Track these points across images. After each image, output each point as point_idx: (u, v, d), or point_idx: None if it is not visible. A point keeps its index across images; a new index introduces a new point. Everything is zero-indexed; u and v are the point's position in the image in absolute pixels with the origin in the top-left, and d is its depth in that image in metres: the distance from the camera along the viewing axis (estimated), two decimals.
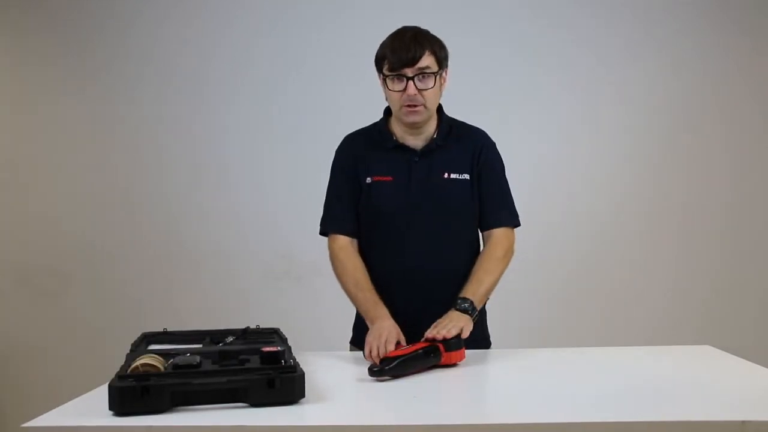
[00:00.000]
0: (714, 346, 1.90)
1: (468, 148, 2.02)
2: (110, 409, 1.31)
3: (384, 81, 1.93)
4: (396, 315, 1.90)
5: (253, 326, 1.87)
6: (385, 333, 1.77)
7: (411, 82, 1.88)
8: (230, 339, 1.77)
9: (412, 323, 1.82)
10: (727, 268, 3.51)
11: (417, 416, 1.34)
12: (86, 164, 3.63)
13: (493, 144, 2.07)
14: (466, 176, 1.99)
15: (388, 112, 2.05)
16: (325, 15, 3.54)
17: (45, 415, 1.35)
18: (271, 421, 1.29)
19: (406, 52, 1.87)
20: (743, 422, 1.21)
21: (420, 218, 1.97)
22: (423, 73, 1.88)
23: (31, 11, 3.61)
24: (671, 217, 3.54)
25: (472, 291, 1.90)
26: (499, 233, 2.01)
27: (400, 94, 1.90)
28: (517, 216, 2.05)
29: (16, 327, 3.61)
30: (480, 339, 2.04)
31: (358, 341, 2.06)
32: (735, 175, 3.53)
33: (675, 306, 3.50)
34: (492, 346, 2.09)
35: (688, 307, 3.49)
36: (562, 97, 3.53)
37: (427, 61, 1.89)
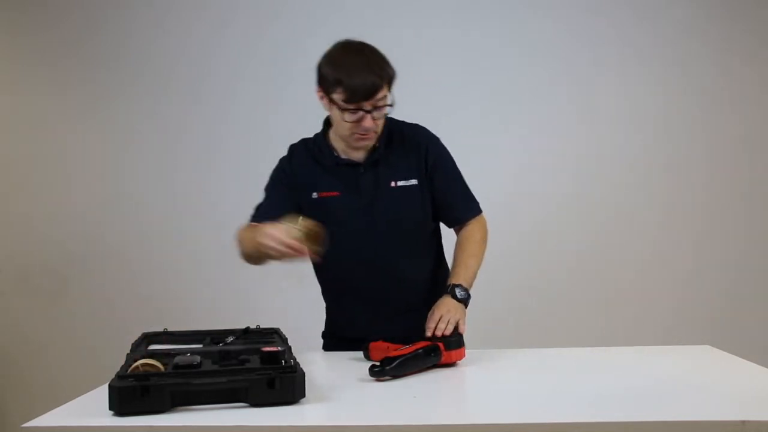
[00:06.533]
0: (714, 346, 1.90)
1: (412, 151, 1.95)
2: (110, 409, 1.31)
3: (330, 102, 1.79)
4: (370, 323, 1.92)
5: (253, 326, 1.87)
6: (274, 230, 1.60)
7: (369, 116, 1.76)
8: (230, 339, 1.77)
9: (387, 329, 1.81)
10: (727, 268, 3.50)
11: (417, 416, 1.34)
12: (86, 164, 3.64)
13: (437, 139, 2.01)
14: (414, 181, 1.93)
15: (327, 122, 1.96)
16: (325, 15, 3.53)
17: (45, 415, 1.35)
18: (271, 421, 1.29)
19: (364, 82, 1.72)
20: (743, 422, 1.21)
21: (373, 229, 1.93)
22: (378, 106, 1.77)
23: (30, 11, 3.61)
24: (671, 217, 3.53)
25: (463, 276, 1.89)
26: (471, 223, 2.01)
27: (354, 124, 1.79)
28: (478, 203, 2.04)
29: (16, 327, 3.61)
30: None
31: (328, 347, 2.08)
32: (735, 174, 3.52)
33: (675, 306, 3.49)
34: (490, 345, 2.08)
35: (688, 307, 3.48)
36: (564, 96, 3.53)
37: (384, 90, 1.76)
